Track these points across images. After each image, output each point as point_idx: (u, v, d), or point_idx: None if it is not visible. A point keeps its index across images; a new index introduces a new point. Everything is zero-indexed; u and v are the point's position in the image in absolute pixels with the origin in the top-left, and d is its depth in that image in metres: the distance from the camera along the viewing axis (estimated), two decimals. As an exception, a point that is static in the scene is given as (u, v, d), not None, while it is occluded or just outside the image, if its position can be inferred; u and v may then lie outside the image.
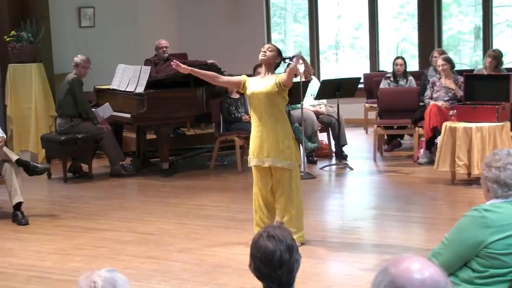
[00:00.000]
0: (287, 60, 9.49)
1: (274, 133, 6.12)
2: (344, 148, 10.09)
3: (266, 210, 6.28)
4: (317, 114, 10.00)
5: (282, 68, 11.17)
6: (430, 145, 9.51)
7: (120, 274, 2.41)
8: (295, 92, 9.06)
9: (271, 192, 6.26)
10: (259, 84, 6.21)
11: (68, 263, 6.09)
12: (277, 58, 6.31)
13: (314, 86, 10.00)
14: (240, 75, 10.29)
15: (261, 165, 6.16)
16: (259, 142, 6.15)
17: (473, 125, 8.17)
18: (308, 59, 12.46)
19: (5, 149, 7.59)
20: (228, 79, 6.67)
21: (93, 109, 9.71)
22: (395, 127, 10.36)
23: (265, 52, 6.24)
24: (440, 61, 9.64)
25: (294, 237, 3.04)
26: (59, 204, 8.37)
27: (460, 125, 8.23)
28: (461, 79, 9.35)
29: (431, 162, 9.21)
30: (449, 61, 9.64)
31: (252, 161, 6.23)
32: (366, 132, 12.23)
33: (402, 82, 10.64)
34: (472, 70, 11.16)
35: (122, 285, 2.37)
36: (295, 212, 6.19)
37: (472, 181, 8.37)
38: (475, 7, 13.55)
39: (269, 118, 6.13)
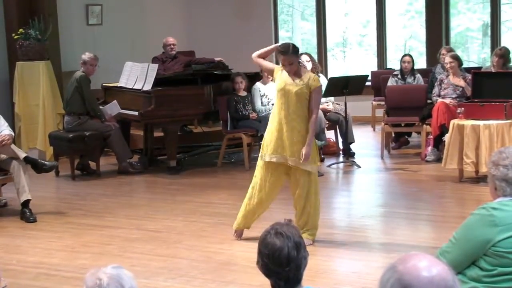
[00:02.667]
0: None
1: (299, 133, 6.09)
2: (351, 146, 10.07)
3: (263, 206, 6.35)
4: (325, 111, 9.99)
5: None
6: (438, 143, 9.49)
7: (126, 271, 2.41)
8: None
9: (273, 190, 6.28)
10: (291, 81, 6.11)
11: (76, 260, 6.10)
12: (298, 59, 6.29)
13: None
14: (248, 72, 10.33)
15: (283, 162, 6.14)
16: (281, 140, 6.10)
17: (481, 122, 8.15)
18: (315, 56, 12.44)
19: (13, 146, 7.61)
20: (265, 64, 6.45)
21: (100, 107, 9.72)
22: (402, 125, 10.33)
23: (289, 67, 6.12)
24: (448, 59, 9.62)
25: (305, 234, 3.04)
26: (67, 201, 8.38)
27: (468, 122, 8.21)
28: (469, 76, 9.33)
29: (438, 159, 9.19)
30: (457, 58, 9.61)
31: (269, 157, 6.16)
32: (374, 130, 12.22)
33: (409, 79, 10.62)
34: (480, 68, 11.14)
35: (128, 281, 2.37)
36: (311, 214, 6.20)
37: (480, 178, 8.35)
38: (483, 4, 13.51)
39: (296, 118, 6.08)
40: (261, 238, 2.93)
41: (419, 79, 10.61)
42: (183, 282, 5.48)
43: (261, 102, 9.80)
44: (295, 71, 6.14)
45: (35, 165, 7.79)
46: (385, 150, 10.22)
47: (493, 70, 9.77)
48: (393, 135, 10.70)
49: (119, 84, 10.13)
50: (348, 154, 9.93)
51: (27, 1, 10.88)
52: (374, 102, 12.13)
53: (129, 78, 9.92)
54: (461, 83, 9.45)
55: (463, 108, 8.44)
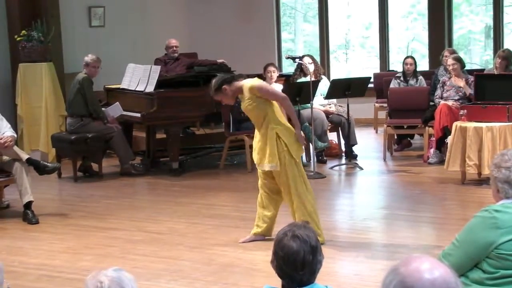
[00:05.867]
0: (297, 60, 9.54)
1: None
2: (354, 148, 10.07)
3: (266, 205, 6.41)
4: (327, 113, 9.99)
5: (292, 67, 11.20)
6: (440, 145, 9.49)
7: (127, 273, 2.41)
8: (305, 92, 9.06)
9: (270, 190, 6.37)
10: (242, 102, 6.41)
11: (78, 262, 6.11)
12: (220, 93, 6.30)
13: (324, 86, 9.99)
14: (250, 74, 10.34)
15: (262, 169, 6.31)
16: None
17: (483, 124, 8.14)
18: (318, 58, 12.43)
19: (15, 148, 7.61)
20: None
21: (103, 109, 9.72)
22: (405, 127, 10.34)
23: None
24: (450, 61, 9.61)
25: None
26: (69, 203, 8.39)
27: (471, 124, 8.20)
28: (471, 78, 9.32)
29: (441, 162, 9.18)
30: (459, 60, 9.61)
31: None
32: (376, 132, 12.21)
33: (412, 81, 10.61)
34: (482, 70, 11.13)
35: (129, 284, 2.36)
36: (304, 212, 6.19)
37: (482, 181, 8.34)
38: (486, 6, 13.50)
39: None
40: (278, 239, 2.91)
41: (422, 81, 10.60)
42: (185, 284, 5.47)
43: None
44: (228, 99, 6.36)
45: (38, 167, 7.79)
46: (387, 152, 10.21)
47: (495, 72, 9.76)
48: (396, 137, 10.69)
49: (121, 86, 10.13)
50: (351, 156, 9.92)
51: (29, 2, 10.89)
52: (376, 104, 12.12)
53: (131, 80, 9.92)
54: (460, 83, 9.45)
55: (465, 110, 8.43)
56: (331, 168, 9.60)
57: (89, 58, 9.60)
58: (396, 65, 13.30)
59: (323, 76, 10.40)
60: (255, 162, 6.39)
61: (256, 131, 6.34)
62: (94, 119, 9.57)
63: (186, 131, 11.01)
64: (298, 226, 2.92)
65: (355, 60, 14.98)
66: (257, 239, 6.40)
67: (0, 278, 2.67)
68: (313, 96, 9.19)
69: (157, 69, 9.66)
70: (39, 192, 8.08)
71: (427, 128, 9.79)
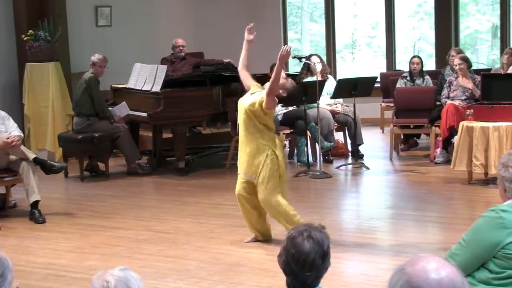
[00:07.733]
0: (303, 59, 9.53)
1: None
2: (360, 148, 10.06)
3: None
4: (333, 113, 9.98)
5: (298, 67, 11.19)
6: (447, 145, 9.48)
7: (133, 273, 2.41)
8: (311, 92, 9.06)
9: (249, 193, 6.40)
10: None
11: (85, 261, 6.12)
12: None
13: (330, 85, 9.99)
14: (256, 74, 10.35)
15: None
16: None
17: (490, 124, 8.12)
18: (324, 58, 12.42)
19: (22, 147, 7.63)
20: (245, 77, 6.80)
21: (109, 108, 9.73)
22: (411, 127, 10.32)
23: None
24: (457, 60, 9.59)
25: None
26: (76, 202, 8.40)
27: (477, 124, 8.19)
28: (478, 78, 9.31)
29: (447, 161, 9.17)
30: (466, 60, 9.59)
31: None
32: (383, 132, 12.20)
33: (418, 81, 10.59)
34: (489, 69, 11.11)
35: (135, 283, 2.37)
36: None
37: (489, 180, 8.33)
38: (493, 6, 13.48)
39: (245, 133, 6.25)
40: (292, 236, 2.91)
41: (428, 81, 10.59)
42: (191, 283, 5.48)
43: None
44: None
45: (44, 166, 7.81)
46: (394, 152, 10.20)
47: (502, 71, 9.75)
48: (402, 136, 10.68)
49: (128, 86, 10.15)
50: (357, 155, 9.91)
51: (36, 2, 10.92)
52: (383, 104, 12.11)
53: (138, 80, 9.94)
54: (469, 85, 9.44)
55: (472, 110, 8.41)
56: (338, 167, 9.59)
57: (95, 57, 9.62)
58: (402, 64, 13.29)
59: (329, 76, 10.39)
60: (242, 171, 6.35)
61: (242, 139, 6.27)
62: (100, 118, 9.58)
63: (193, 131, 11.01)
64: (314, 228, 2.94)
65: (361, 59, 14.97)
66: (259, 239, 6.41)
67: (9, 278, 2.68)
68: (320, 95, 9.18)
69: (163, 68, 9.67)
70: (45, 192, 8.09)
71: (433, 127, 9.78)
